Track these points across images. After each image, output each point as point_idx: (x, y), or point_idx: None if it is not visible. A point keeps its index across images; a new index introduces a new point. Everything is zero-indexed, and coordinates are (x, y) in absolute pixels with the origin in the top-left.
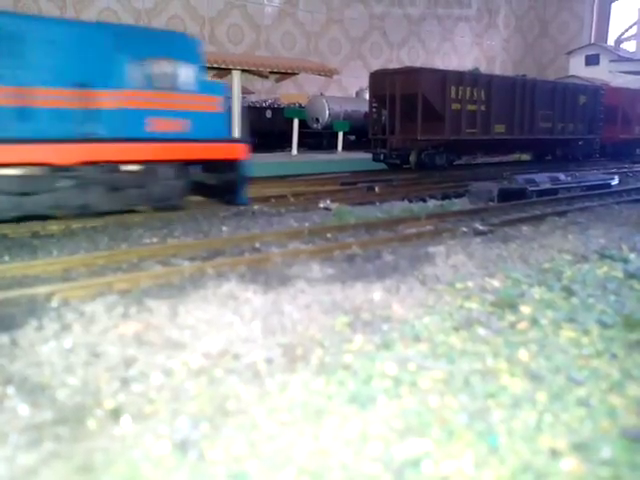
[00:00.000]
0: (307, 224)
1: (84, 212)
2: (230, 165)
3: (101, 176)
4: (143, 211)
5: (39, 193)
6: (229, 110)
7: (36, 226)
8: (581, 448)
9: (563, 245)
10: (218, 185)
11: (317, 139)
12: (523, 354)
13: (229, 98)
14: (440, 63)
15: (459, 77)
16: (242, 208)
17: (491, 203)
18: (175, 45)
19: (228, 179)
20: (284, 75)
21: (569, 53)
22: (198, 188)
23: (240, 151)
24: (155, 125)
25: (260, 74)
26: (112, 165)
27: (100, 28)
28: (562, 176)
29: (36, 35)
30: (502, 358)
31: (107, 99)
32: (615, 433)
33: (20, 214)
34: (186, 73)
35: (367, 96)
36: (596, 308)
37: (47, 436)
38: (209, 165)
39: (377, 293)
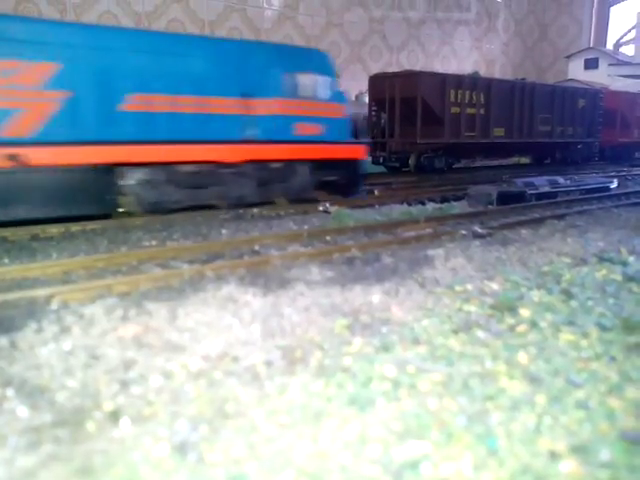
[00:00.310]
0: (306, 227)
1: (240, 202)
2: (350, 163)
3: (255, 172)
4: (281, 204)
5: (209, 186)
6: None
7: (35, 229)
8: (580, 450)
9: (562, 248)
10: (339, 180)
11: None
12: (522, 357)
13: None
14: (439, 67)
15: (458, 81)
16: (241, 211)
17: (490, 206)
18: (315, 60)
19: (348, 175)
20: None
21: (568, 57)
22: (319, 183)
23: (360, 151)
24: (299, 129)
25: None
26: (264, 163)
27: (260, 46)
28: (561, 179)
29: (213, 52)
30: (501, 361)
31: (263, 107)
32: (614, 435)
33: (193, 204)
34: (323, 84)
35: (367, 99)
36: (595, 311)
37: (46, 438)
38: (331, 162)
39: (376, 296)
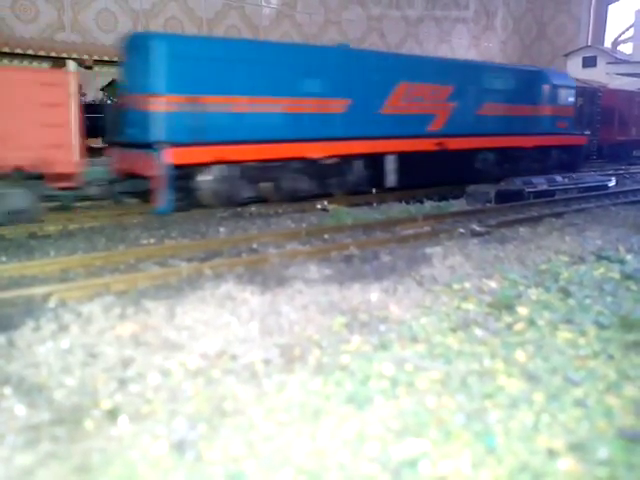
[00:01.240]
0: (304, 225)
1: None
2: (576, 147)
3: (535, 154)
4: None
5: (509, 163)
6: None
7: (33, 227)
8: (578, 448)
9: (560, 246)
10: (566, 159)
11: None
12: (520, 355)
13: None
14: None
15: None
16: (239, 209)
17: (488, 204)
18: (563, 78)
19: (574, 156)
20: None
21: (566, 55)
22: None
23: (583, 139)
24: (558, 125)
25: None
26: (543, 148)
27: (538, 70)
28: (559, 178)
29: (518, 76)
30: (499, 359)
31: (542, 111)
32: (612, 433)
33: (499, 175)
34: (568, 94)
35: None
36: (593, 309)
37: (44, 436)
38: (565, 146)
39: (374, 294)
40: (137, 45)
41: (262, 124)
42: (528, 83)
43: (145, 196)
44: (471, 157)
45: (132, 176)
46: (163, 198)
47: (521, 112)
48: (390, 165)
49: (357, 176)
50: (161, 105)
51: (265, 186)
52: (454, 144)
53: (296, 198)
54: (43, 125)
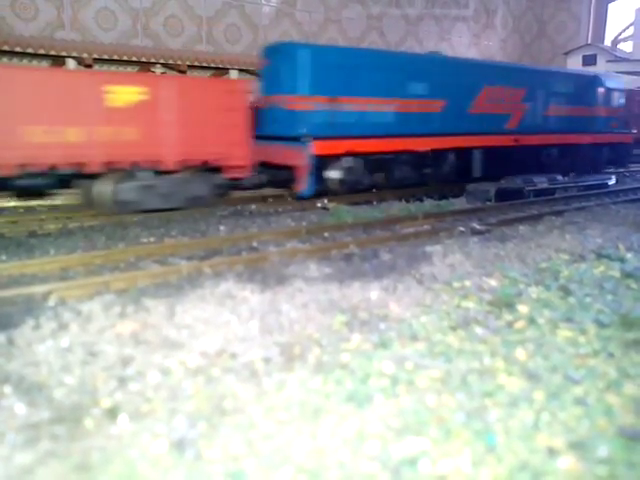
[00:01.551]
0: (304, 223)
1: (578, 170)
2: (622, 145)
3: (587, 151)
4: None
5: (565, 157)
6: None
7: (33, 225)
8: (578, 447)
9: (560, 245)
10: (612, 156)
11: None
12: (520, 353)
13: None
14: None
15: None
16: (239, 207)
17: (488, 203)
18: (615, 81)
19: (620, 153)
20: None
21: (566, 53)
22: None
23: (629, 138)
24: (612, 125)
25: (258, 74)
26: (596, 145)
27: (596, 75)
28: (559, 176)
29: (580, 81)
30: (499, 357)
31: (598, 112)
32: (612, 432)
33: (559, 170)
34: (619, 96)
35: None
36: (593, 307)
37: (44, 435)
38: (611, 144)
39: (374, 292)
40: (283, 53)
41: (380, 121)
42: (586, 86)
43: (285, 183)
44: (538, 152)
45: (267, 166)
46: (306, 184)
47: (580, 113)
48: (477, 158)
49: (449, 168)
50: (306, 104)
51: (379, 176)
52: (527, 140)
53: (400, 186)
54: (225, 126)
